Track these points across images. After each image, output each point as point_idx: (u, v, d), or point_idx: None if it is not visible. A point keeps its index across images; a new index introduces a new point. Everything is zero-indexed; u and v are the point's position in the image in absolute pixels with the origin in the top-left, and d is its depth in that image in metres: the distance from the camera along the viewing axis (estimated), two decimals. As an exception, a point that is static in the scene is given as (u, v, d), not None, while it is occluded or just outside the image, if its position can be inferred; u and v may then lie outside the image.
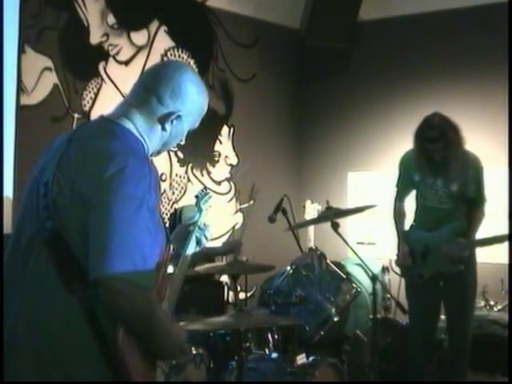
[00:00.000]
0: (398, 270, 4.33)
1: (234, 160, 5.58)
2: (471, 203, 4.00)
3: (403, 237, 4.15)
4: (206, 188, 2.64)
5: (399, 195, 4.23)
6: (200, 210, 2.44)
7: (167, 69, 2.01)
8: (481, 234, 4.06)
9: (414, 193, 4.19)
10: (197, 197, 2.53)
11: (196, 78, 2.02)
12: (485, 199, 4.03)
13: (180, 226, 2.47)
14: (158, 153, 2.04)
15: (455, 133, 3.86)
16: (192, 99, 1.98)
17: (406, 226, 4.23)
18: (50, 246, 1.78)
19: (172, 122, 1.95)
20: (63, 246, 1.76)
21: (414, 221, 4.19)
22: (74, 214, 1.75)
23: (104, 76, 4.61)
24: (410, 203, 4.25)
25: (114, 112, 1.96)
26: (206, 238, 2.39)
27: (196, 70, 1.96)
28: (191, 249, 2.30)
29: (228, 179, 5.53)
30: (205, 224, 2.41)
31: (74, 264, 1.75)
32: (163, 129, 1.96)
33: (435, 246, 3.98)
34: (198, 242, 2.36)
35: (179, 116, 1.95)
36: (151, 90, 1.94)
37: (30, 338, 1.79)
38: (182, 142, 2.12)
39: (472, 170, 3.96)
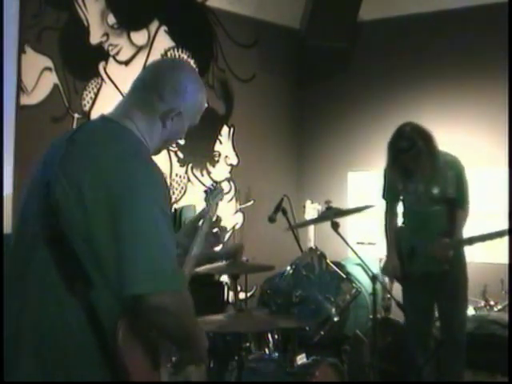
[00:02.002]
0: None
1: (234, 160, 5.58)
2: (453, 204, 4.05)
3: (393, 248, 4.21)
4: (216, 183, 2.62)
5: (389, 207, 4.31)
6: (209, 206, 2.41)
7: (166, 66, 2.04)
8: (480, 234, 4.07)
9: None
10: (206, 192, 2.50)
11: (194, 75, 2.04)
12: (467, 199, 4.08)
13: (189, 221, 2.46)
14: (159, 151, 2.04)
15: (426, 142, 3.91)
16: (191, 95, 1.99)
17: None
18: (52, 246, 1.78)
19: (172, 118, 1.96)
20: (66, 247, 1.75)
21: (403, 223, 4.27)
22: (78, 215, 1.74)
23: (104, 76, 4.61)
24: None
25: (115, 111, 1.96)
26: (219, 240, 2.40)
27: (196, 69, 1.96)
28: (199, 247, 2.28)
29: (228, 179, 5.53)
30: (222, 227, 2.40)
31: (76, 265, 1.74)
32: (164, 126, 1.96)
33: (421, 247, 4.03)
34: (212, 246, 2.35)
35: (180, 112, 1.96)
36: (151, 87, 1.95)
37: (32, 337, 1.79)
38: (182, 141, 2.12)
39: (451, 172, 4.02)
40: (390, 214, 4.31)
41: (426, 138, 3.92)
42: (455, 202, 4.05)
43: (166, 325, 1.77)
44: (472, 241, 3.94)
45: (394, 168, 4.04)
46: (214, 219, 2.40)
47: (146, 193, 1.75)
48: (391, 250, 4.23)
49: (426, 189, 4.04)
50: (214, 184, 2.55)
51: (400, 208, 4.31)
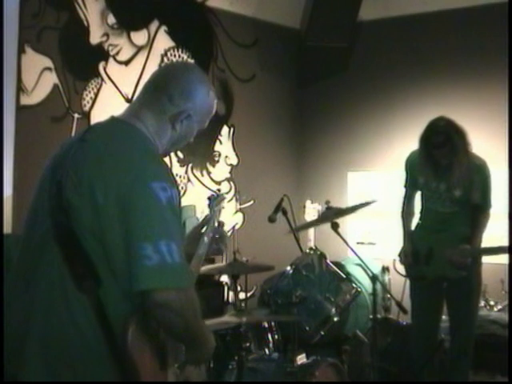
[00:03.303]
0: (400, 270, 4.32)
1: (234, 160, 5.58)
2: (476, 209, 3.98)
3: (408, 236, 4.17)
4: (219, 190, 2.65)
5: (407, 196, 4.24)
6: (212, 212, 2.43)
7: (176, 69, 2.07)
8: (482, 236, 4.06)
9: (419, 192, 4.20)
10: (209, 198, 2.52)
11: (204, 78, 2.06)
12: (490, 205, 4.00)
13: (192, 228, 2.48)
14: (167, 153, 2.07)
15: (461, 138, 3.81)
16: (201, 98, 2.00)
17: (413, 225, 4.24)
18: (61, 243, 1.79)
19: (182, 121, 1.98)
20: (75, 245, 1.76)
21: (420, 219, 4.19)
22: (89, 214, 1.76)
23: (104, 76, 4.61)
24: (417, 201, 4.25)
25: (125, 112, 1.98)
26: (221, 250, 2.41)
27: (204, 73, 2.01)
28: (204, 249, 2.30)
29: (228, 179, 5.53)
30: (223, 232, 2.41)
31: (86, 262, 1.76)
32: (173, 128, 1.98)
33: (439, 250, 3.97)
34: (217, 252, 2.37)
35: (189, 115, 1.98)
36: (162, 89, 1.96)
37: (40, 336, 1.79)
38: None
39: (478, 177, 3.93)
40: (408, 202, 4.22)
41: (460, 134, 3.81)
42: (479, 208, 3.97)
43: (170, 322, 1.76)
44: (492, 251, 3.91)
45: (424, 162, 3.92)
46: (217, 225, 2.42)
47: (156, 191, 1.76)
48: (405, 238, 4.17)
49: (448, 189, 3.94)
50: (218, 191, 2.57)
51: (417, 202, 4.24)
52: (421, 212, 4.19)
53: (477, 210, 3.98)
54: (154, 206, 1.75)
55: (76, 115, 4.41)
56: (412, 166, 4.11)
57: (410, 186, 4.19)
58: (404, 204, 4.24)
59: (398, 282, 4.62)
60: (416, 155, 4.03)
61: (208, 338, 1.94)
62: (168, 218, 1.76)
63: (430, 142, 3.83)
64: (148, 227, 1.72)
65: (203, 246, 2.29)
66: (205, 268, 3.58)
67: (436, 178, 3.96)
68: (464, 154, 3.83)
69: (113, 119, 1.96)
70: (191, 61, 5.15)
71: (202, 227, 2.38)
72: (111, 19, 4.62)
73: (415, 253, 4.10)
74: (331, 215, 3.75)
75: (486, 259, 4.22)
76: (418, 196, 4.24)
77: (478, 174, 3.94)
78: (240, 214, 5.56)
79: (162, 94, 1.95)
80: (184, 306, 1.75)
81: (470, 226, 3.97)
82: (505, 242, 4.48)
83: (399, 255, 4.17)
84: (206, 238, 2.31)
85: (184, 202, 5.05)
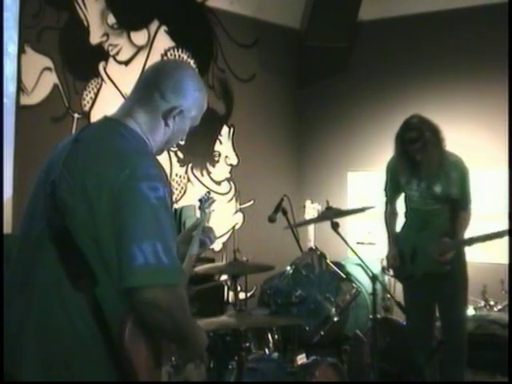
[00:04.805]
0: (390, 270, 4.37)
1: (234, 160, 5.58)
2: (456, 205, 4.04)
3: (393, 239, 4.23)
4: (209, 192, 2.65)
5: (388, 199, 4.32)
6: (203, 214, 2.44)
7: (167, 66, 2.08)
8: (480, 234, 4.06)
9: (403, 194, 4.25)
10: (200, 200, 2.53)
11: (195, 75, 2.07)
12: (470, 200, 4.07)
13: (185, 230, 2.48)
14: (161, 151, 2.06)
15: (433, 133, 3.90)
16: (193, 94, 2.01)
17: (398, 227, 4.29)
18: (57, 243, 1.79)
19: (174, 117, 1.98)
20: (71, 244, 1.77)
21: (405, 223, 4.26)
22: (84, 213, 1.76)
23: (104, 76, 4.61)
24: (401, 204, 4.30)
25: (118, 111, 1.98)
26: (211, 240, 2.40)
27: (196, 69, 1.99)
28: (195, 249, 2.30)
29: (228, 179, 5.53)
30: (208, 227, 2.41)
31: (81, 261, 1.76)
32: (166, 125, 1.98)
33: (422, 247, 4.03)
34: (202, 245, 2.36)
35: (181, 111, 1.98)
36: (153, 86, 1.97)
37: (37, 335, 1.79)
38: (182, 142, 2.13)
39: (455, 173, 4.00)
40: (390, 204, 4.30)
41: (433, 130, 3.91)
42: (458, 203, 4.03)
43: (157, 320, 1.75)
44: (472, 241, 3.93)
45: (400, 160, 4.02)
46: (207, 226, 2.43)
47: (145, 191, 1.75)
48: (390, 241, 4.24)
49: (428, 186, 4.02)
50: (207, 193, 2.58)
51: (402, 208, 4.29)
52: (405, 213, 4.26)
53: (456, 206, 4.04)
54: (142, 206, 1.74)
55: (76, 115, 4.41)
56: (393, 168, 4.18)
57: (391, 188, 4.27)
58: (386, 208, 4.33)
59: (396, 282, 4.63)
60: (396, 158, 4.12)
61: (199, 335, 1.94)
62: (156, 218, 1.75)
63: (404, 139, 3.93)
64: (134, 228, 1.72)
65: (194, 247, 2.30)
66: (205, 267, 3.58)
67: (415, 176, 4.03)
68: (436, 149, 3.91)
69: (106, 119, 1.97)
70: (191, 61, 5.16)
71: (194, 229, 2.38)
72: (111, 19, 4.63)
73: (400, 253, 4.16)
74: (331, 215, 3.76)
75: (485, 259, 4.23)
76: (400, 198, 4.29)
77: (455, 170, 4.01)
78: (240, 214, 5.56)
79: (154, 91, 1.96)
80: (171, 304, 1.74)
81: (452, 222, 4.02)
82: (504, 242, 4.47)
83: (386, 258, 4.23)
84: (196, 239, 2.32)
85: (184, 201, 5.10)
